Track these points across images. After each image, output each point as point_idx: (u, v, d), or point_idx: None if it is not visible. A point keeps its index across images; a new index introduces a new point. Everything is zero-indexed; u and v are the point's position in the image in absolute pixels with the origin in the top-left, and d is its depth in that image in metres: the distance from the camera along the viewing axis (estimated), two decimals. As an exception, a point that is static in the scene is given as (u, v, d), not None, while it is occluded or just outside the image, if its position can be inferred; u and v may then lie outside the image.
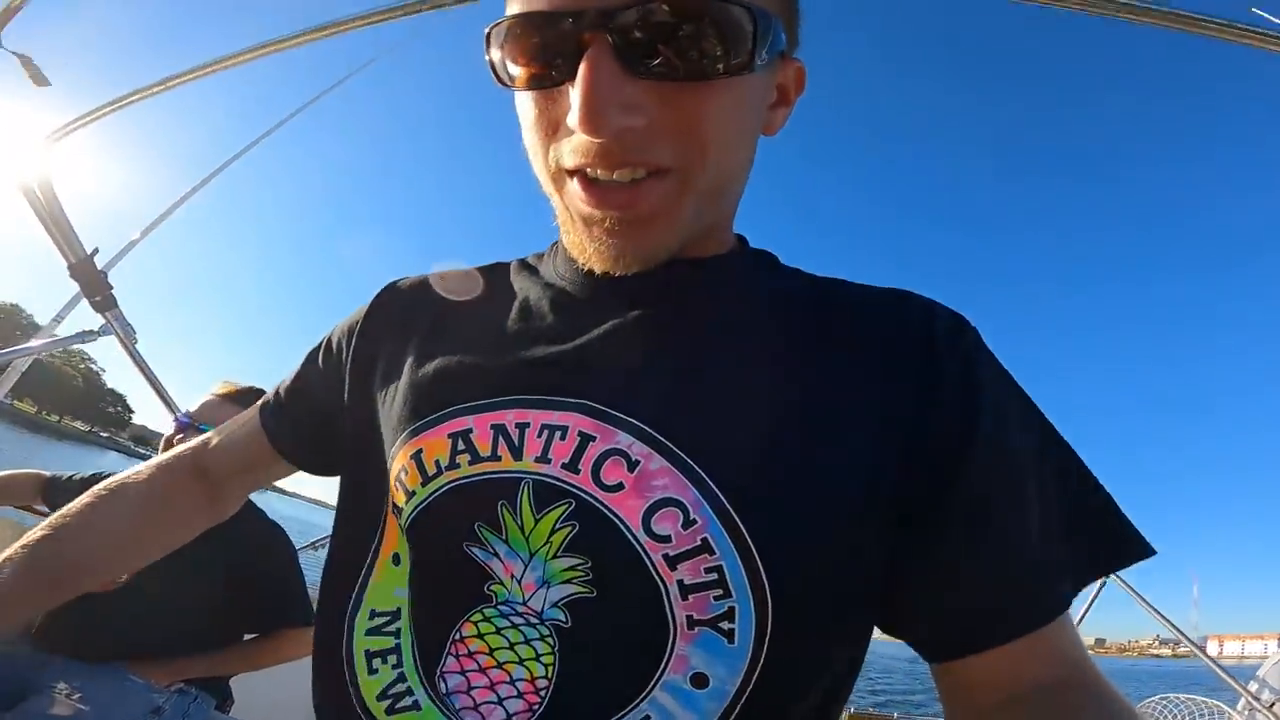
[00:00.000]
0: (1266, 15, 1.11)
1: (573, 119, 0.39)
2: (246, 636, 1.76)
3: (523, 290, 0.55)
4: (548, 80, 0.42)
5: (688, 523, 0.41)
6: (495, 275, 0.59)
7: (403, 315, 0.58)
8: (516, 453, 0.45)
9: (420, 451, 0.47)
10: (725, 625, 0.41)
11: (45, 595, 0.62)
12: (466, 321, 0.55)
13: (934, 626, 0.46)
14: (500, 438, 0.45)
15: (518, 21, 0.42)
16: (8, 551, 0.60)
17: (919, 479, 0.43)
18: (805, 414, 0.44)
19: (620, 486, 0.42)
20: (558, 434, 0.44)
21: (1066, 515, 0.45)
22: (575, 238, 0.46)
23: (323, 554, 0.65)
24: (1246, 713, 3.69)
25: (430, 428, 0.48)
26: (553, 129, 0.43)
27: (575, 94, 0.39)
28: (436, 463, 0.46)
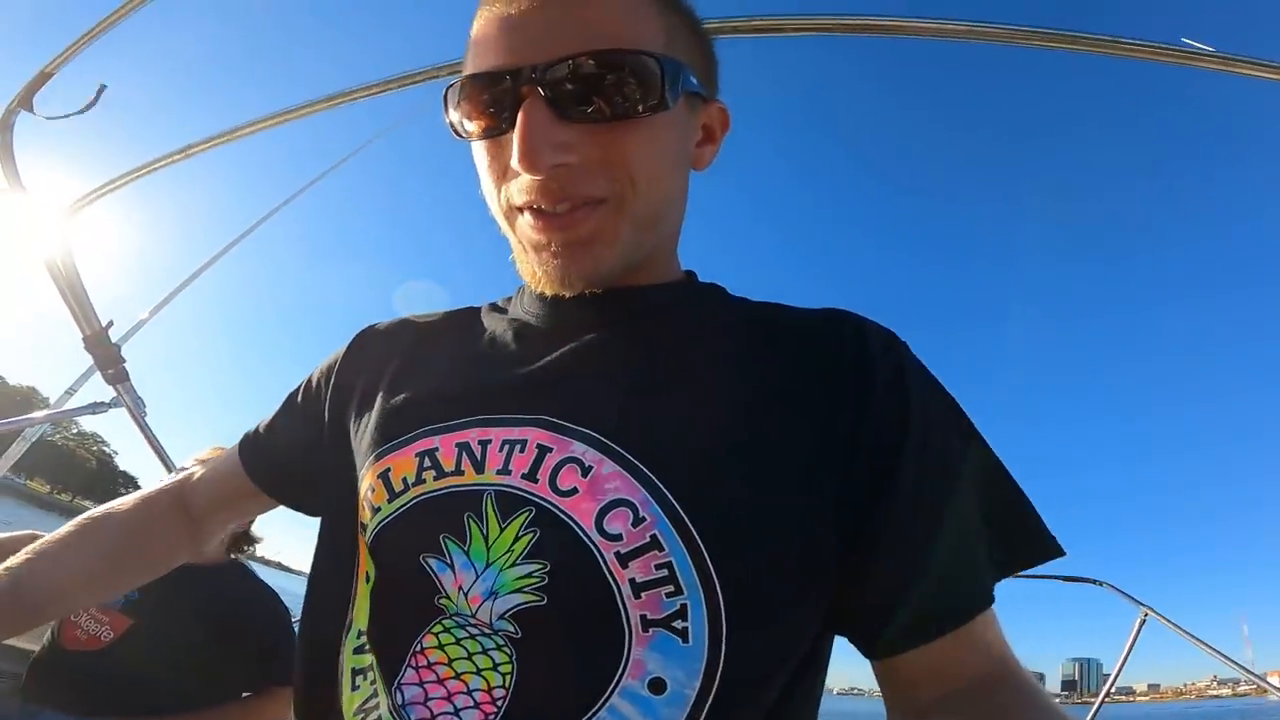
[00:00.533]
0: (1194, 44, 1.15)
1: (513, 162, 0.46)
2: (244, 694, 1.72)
3: (490, 325, 0.60)
4: (496, 130, 0.49)
5: (637, 520, 0.43)
6: (466, 315, 0.64)
7: (378, 353, 0.62)
8: (479, 466, 0.47)
9: (388, 470, 0.50)
10: (679, 624, 0.42)
11: (22, 617, 0.63)
12: (436, 355, 0.59)
13: (870, 624, 0.48)
14: (464, 454, 0.48)
15: (467, 82, 0.49)
16: None
17: (856, 481, 0.46)
18: (747, 419, 0.47)
19: (575, 491, 0.44)
20: (517, 447, 0.47)
21: (987, 515, 0.49)
22: (527, 265, 0.52)
23: None
24: None
25: (398, 448, 0.50)
26: (503, 172, 0.50)
27: (515, 138, 0.45)
28: (404, 480, 0.49)
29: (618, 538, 0.43)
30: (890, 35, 1.29)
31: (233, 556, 1.82)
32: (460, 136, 0.52)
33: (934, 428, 0.49)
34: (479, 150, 0.51)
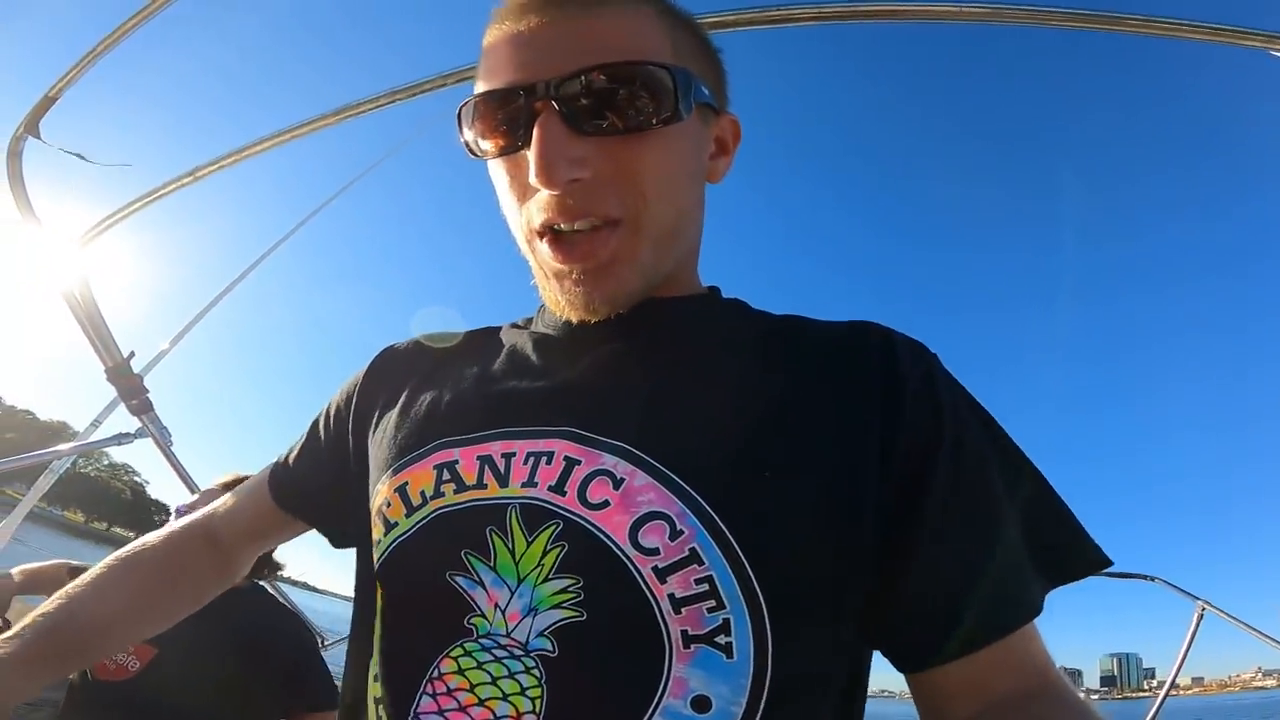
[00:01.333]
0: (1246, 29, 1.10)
1: (531, 178, 0.46)
2: None
3: (510, 340, 0.59)
4: (512, 148, 0.49)
5: (675, 534, 0.41)
6: (486, 334, 0.63)
7: (397, 372, 0.62)
8: (503, 480, 0.46)
9: (405, 484, 0.49)
10: (722, 639, 0.40)
11: (61, 662, 0.63)
12: (456, 370, 0.58)
13: (910, 636, 0.47)
14: (486, 466, 0.47)
15: (481, 100, 0.49)
16: (25, 620, 0.61)
17: (891, 490, 0.45)
18: (781, 429, 0.46)
19: (606, 504, 0.43)
20: (543, 459, 0.46)
21: (1029, 526, 0.47)
22: (550, 292, 0.52)
23: None
24: None
25: (416, 461, 0.49)
26: (523, 192, 0.49)
27: (531, 154, 0.45)
28: (422, 493, 0.47)
29: (654, 552, 0.41)
30: (906, 20, 1.24)
31: (256, 581, 1.80)
32: (476, 156, 0.52)
33: (968, 436, 0.48)
34: (497, 169, 0.51)
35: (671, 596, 0.40)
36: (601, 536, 0.42)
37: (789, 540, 0.42)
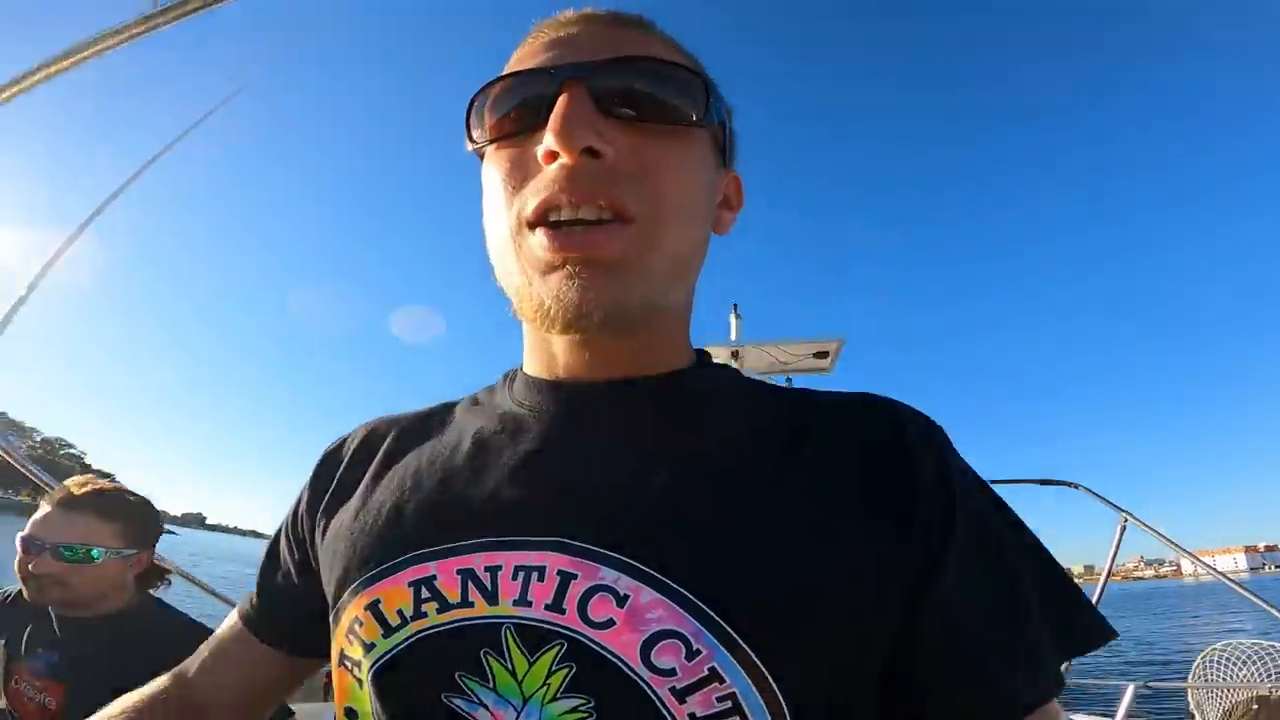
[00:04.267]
0: None
1: (547, 141, 0.41)
2: None
3: (475, 424, 0.52)
4: (524, 128, 0.45)
5: (691, 654, 0.38)
6: (443, 414, 0.57)
7: (347, 471, 0.55)
8: (491, 597, 0.41)
9: (377, 602, 0.43)
10: None
11: None
12: (419, 465, 0.51)
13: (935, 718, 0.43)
14: (470, 582, 0.42)
15: (504, 80, 0.46)
16: None
17: (906, 577, 0.42)
18: (794, 532, 0.41)
19: (611, 623, 0.39)
20: (535, 575, 0.41)
21: (1044, 605, 0.44)
22: (531, 298, 0.44)
23: None
24: None
25: (385, 576, 0.44)
26: (522, 178, 0.44)
27: (551, 118, 0.41)
28: (400, 613, 0.43)
29: (670, 672, 0.38)
30: None
31: (146, 593, 1.54)
32: (476, 143, 0.48)
33: (978, 515, 0.45)
34: (494, 159, 0.47)
35: (692, 716, 0.37)
36: (611, 657, 0.38)
37: (814, 652, 0.39)
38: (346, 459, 0.56)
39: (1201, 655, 4.15)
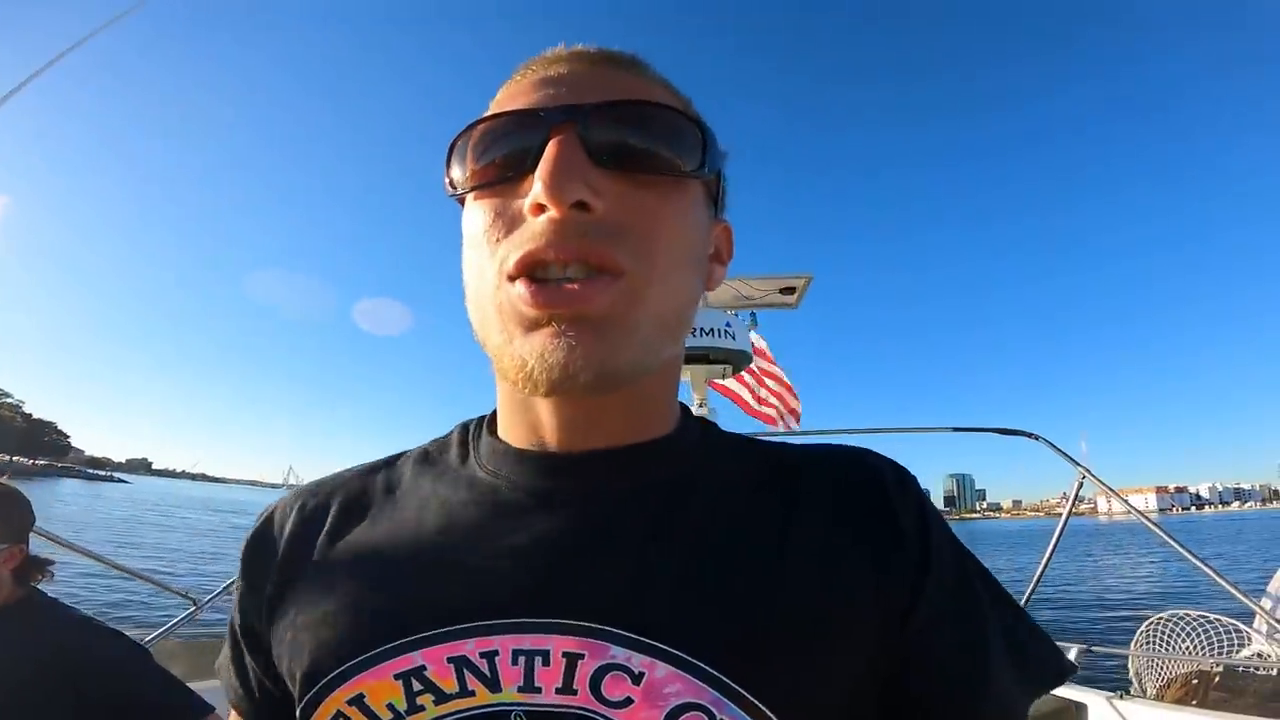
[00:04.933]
0: None
1: (535, 191, 0.39)
2: None
3: (439, 492, 0.48)
4: (509, 175, 0.42)
5: None
6: (390, 476, 0.51)
7: (285, 558, 0.48)
8: (493, 685, 0.39)
9: (361, 696, 0.40)
10: None
11: None
12: (373, 539, 0.46)
13: None
14: (466, 671, 0.39)
15: (490, 121, 0.43)
16: None
17: (894, 621, 0.42)
18: (798, 594, 0.41)
19: (629, 701, 0.37)
20: (538, 659, 0.39)
21: (1009, 643, 0.45)
22: (513, 358, 0.40)
23: None
24: (1264, 629, 3.52)
25: (367, 667, 0.40)
26: (508, 227, 0.41)
27: (541, 168, 0.39)
28: (390, 707, 0.39)
29: None
30: None
31: (30, 588, 1.38)
32: (456, 189, 0.45)
33: (953, 562, 0.46)
34: (479, 205, 0.43)
35: None
36: None
37: (828, 709, 0.39)
38: (282, 542, 0.49)
39: (1146, 624, 4.10)
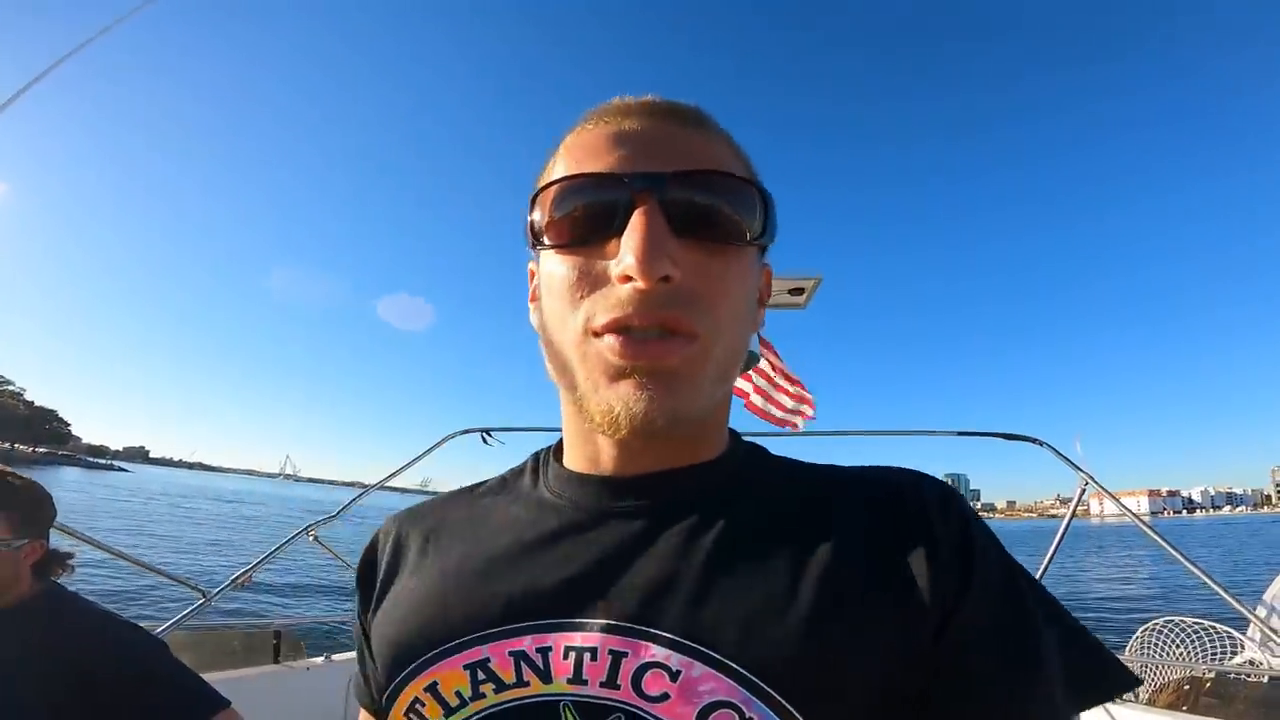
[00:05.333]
0: None
1: (626, 264, 0.42)
2: None
3: (512, 513, 0.54)
4: (593, 237, 0.45)
5: None
6: (472, 501, 0.58)
7: (387, 570, 0.56)
8: (545, 676, 0.43)
9: (435, 684, 0.45)
10: None
11: None
12: (456, 554, 0.53)
13: None
14: (523, 664, 0.44)
15: (571, 181, 0.46)
16: None
17: (928, 634, 0.43)
18: (832, 603, 0.43)
19: (666, 696, 0.41)
20: (587, 654, 0.43)
21: (1065, 659, 0.45)
22: (597, 400, 0.45)
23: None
24: (1258, 637, 3.49)
25: (441, 659, 0.46)
26: (591, 286, 0.45)
27: (631, 240, 0.43)
28: (457, 694, 0.45)
29: None
30: None
31: (50, 581, 1.38)
32: (540, 243, 0.48)
33: (1000, 578, 0.46)
34: (559, 261, 0.47)
35: None
36: None
37: (855, 711, 0.40)
38: (384, 559, 0.57)
39: (1142, 629, 4.07)
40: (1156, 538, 2.82)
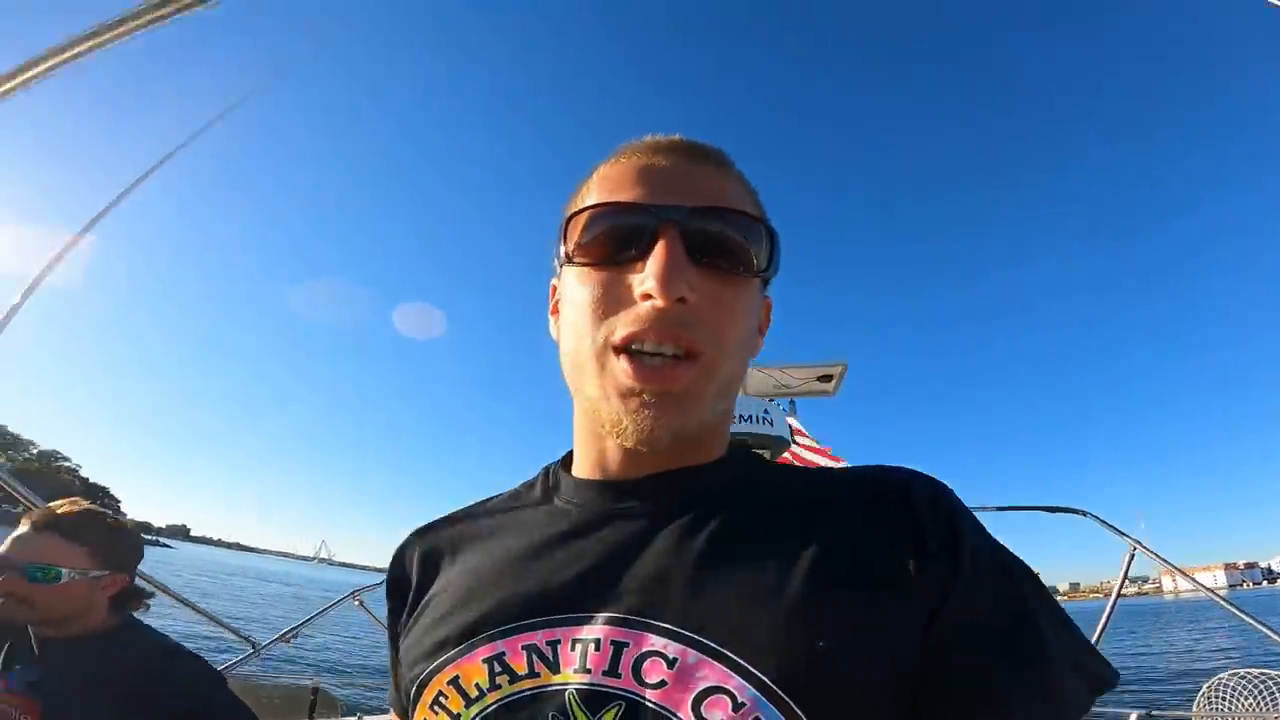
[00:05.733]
0: None
1: (648, 284, 0.48)
2: None
3: (533, 520, 0.58)
4: (620, 259, 0.50)
5: (737, 706, 0.42)
6: (489, 514, 0.63)
7: (419, 581, 0.60)
8: (554, 667, 0.46)
9: (457, 677, 0.49)
10: None
11: None
12: (482, 557, 0.57)
13: None
14: (534, 656, 0.47)
15: (603, 207, 0.52)
16: None
17: (916, 626, 0.45)
18: (821, 595, 0.45)
19: (663, 683, 0.43)
20: (591, 645, 0.46)
21: (1061, 650, 0.46)
22: (608, 412, 0.50)
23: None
24: None
25: (462, 655, 0.49)
26: (613, 305, 0.50)
27: (653, 263, 0.48)
28: (476, 686, 0.48)
29: None
30: None
31: (126, 614, 1.45)
32: (572, 260, 0.53)
33: (989, 572, 0.47)
34: (586, 279, 0.52)
35: None
36: (665, 713, 0.42)
37: (845, 697, 0.42)
38: (414, 571, 0.61)
39: (1207, 685, 4.01)
40: (1226, 605, 2.76)
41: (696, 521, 0.51)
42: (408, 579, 0.62)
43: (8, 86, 1.29)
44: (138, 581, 1.49)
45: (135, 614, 1.47)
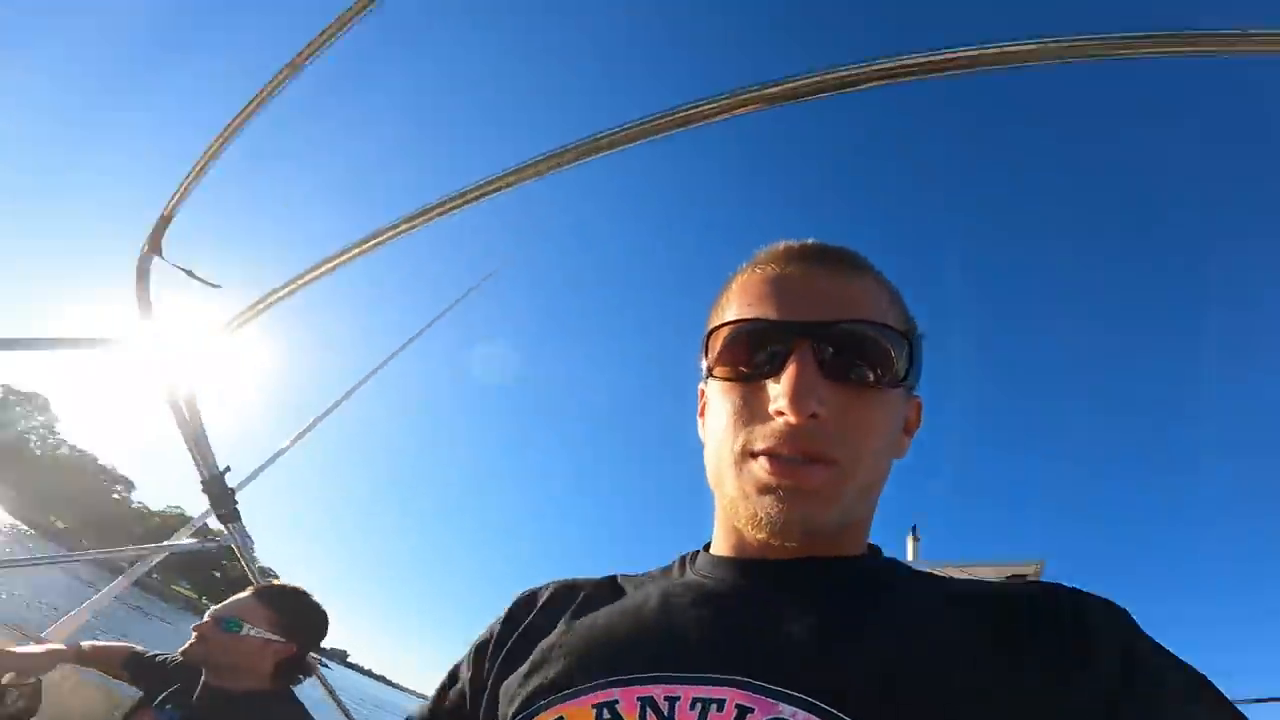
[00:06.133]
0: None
1: (780, 403, 0.49)
2: None
3: (660, 586, 0.58)
4: (757, 374, 0.53)
5: None
6: (627, 581, 0.62)
7: (538, 612, 0.60)
8: None
9: (562, 718, 0.47)
10: None
11: None
12: (605, 612, 0.56)
13: None
14: (649, 709, 0.45)
15: (741, 326, 0.54)
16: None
17: None
18: (966, 682, 0.43)
19: None
20: (714, 706, 0.43)
21: None
22: (745, 509, 0.52)
23: None
24: None
25: (571, 698, 0.48)
26: (750, 416, 0.52)
27: (785, 382, 0.49)
28: None
29: None
30: (967, 70, 0.87)
31: (284, 684, 1.59)
32: (714, 375, 0.55)
33: (1171, 684, 0.44)
34: (726, 391, 0.54)
35: None
36: None
37: None
38: (540, 605, 0.61)
39: None
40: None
41: (842, 600, 0.51)
42: (527, 616, 0.61)
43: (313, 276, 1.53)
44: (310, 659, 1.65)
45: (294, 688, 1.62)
